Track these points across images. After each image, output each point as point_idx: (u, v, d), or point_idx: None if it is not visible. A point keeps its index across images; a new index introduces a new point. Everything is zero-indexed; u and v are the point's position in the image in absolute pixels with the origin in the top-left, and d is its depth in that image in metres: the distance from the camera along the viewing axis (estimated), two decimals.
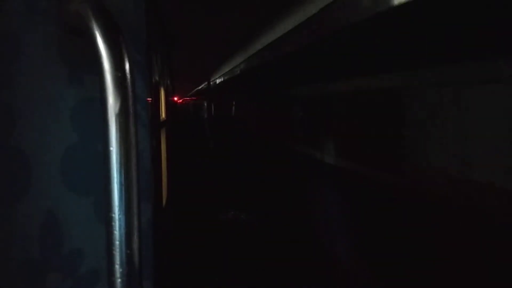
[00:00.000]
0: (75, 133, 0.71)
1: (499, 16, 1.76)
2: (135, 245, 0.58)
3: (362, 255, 3.89)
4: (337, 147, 4.78)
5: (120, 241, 0.57)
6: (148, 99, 0.84)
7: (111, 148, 0.56)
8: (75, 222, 0.71)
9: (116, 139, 0.56)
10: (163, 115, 2.20)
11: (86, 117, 0.72)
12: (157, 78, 1.54)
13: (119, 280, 0.57)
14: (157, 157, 1.34)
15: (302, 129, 6.16)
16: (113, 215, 0.56)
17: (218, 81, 11.04)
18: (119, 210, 0.57)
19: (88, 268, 0.73)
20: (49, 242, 0.69)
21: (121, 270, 0.57)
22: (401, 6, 1.73)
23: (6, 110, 0.65)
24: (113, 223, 0.56)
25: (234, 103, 14.31)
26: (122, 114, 0.57)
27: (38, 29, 0.68)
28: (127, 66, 0.59)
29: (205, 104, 15.73)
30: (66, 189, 0.71)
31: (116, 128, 0.56)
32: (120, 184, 0.56)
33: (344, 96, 4.50)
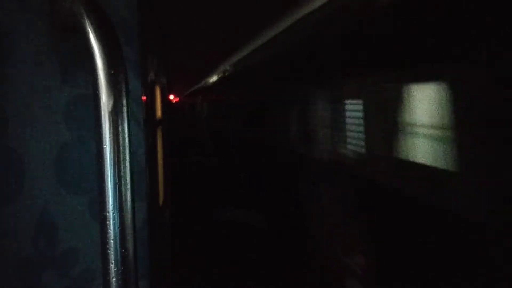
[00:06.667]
0: (69, 131, 0.71)
1: None
2: (130, 244, 0.58)
3: None
4: None
5: (115, 240, 0.56)
6: (143, 97, 0.84)
7: (105, 146, 0.56)
8: (69, 221, 0.71)
9: (110, 137, 0.56)
10: (159, 113, 2.19)
11: (79, 115, 0.71)
12: (152, 76, 1.53)
13: (114, 279, 0.56)
14: (152, 155, 1.34)
15: None
16: (108, 214, 0.56)
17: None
18: (113, 208, 0.56)
19: (83, 267, 0.72)
20: (44, 241, 0.69)
21: (116, 269, 0.56)
22: None
23: None
24: (108, 222, 0.56)
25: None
26: (116, 112, 0.56)
27: (31, 26, 0.67)
28: (120, 63, 0.58)
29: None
30: (60, 188, 0.70)
31: (109, 126, 0.56)
32: (114, 182, 0.56)
33: None
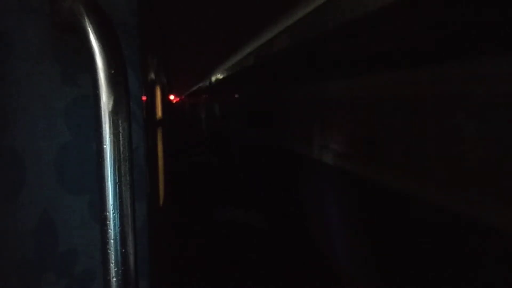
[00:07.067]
0: (69, 131, 0.71)
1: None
2: (130, 244, 0.58)
3: None
4: None
5: (115, 240, 0.56)
6: (143, 97, 0.84)
7: (105, 147, 0.56)
8: (70, 222, 0.71)
9: (110, 137, 0.56)
10: (159, 113, 2.20)
11: (79, 116, 0.71)
12: (152, 76, 1.53)
13: (114, 279, 0.56)
14: (152, 155, 1.34)
15: None
16: (108, 214, 0.56)
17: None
18: (114, 209, 0.56)
19: (84, 268, 0.72)
20: (44, 242, 0.69)
21: (116, 269, 0.56)
22: None
23: None
24: (108, 222, 0.56)
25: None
26: (116, 112, 0.56)
27: (31, 27, 0.67)
28: (120, 63, 0.58)
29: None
30: (61, 189, 0.70)
31: (110, 126, 0.56)
32: (115, 182, 0.56)
33: None
